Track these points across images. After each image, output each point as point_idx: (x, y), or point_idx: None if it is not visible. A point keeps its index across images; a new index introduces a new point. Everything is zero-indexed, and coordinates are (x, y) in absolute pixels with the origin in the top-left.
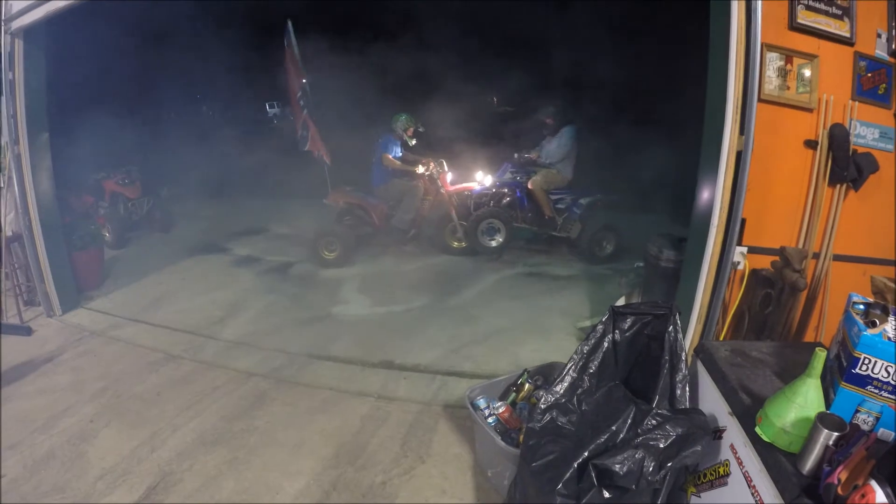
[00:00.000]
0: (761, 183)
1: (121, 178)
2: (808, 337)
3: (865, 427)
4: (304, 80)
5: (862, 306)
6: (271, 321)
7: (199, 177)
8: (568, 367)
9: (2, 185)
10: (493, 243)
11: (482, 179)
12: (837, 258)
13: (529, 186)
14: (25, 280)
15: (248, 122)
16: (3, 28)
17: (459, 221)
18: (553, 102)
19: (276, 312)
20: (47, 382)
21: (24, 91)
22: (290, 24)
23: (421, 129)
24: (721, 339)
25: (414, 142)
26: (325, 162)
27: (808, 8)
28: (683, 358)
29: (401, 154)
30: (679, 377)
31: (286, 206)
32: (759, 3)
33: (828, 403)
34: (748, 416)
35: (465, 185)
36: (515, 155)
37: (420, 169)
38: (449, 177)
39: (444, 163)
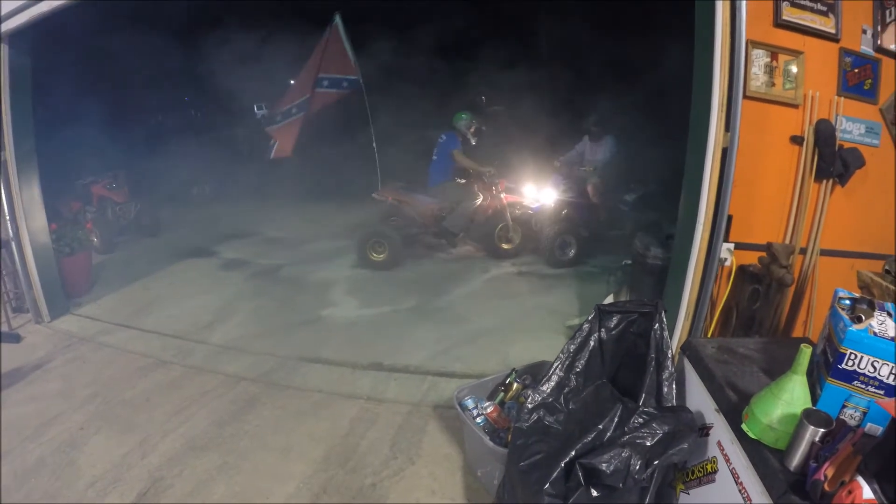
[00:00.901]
0: (748, 179)
1: (108, 183)
2: (797, 332)
3: (853, 422)
4: (321, 75)
5: (848, 301)
6: (260, 325)
7: (187, 180)
8: (554, 366)
9: None
10: (571, 253)
11: (542, 196)
12: (825, 253)
13: (588, 197)
14: (14, 287)
15: (234, 125)
16: None
17: (514, 224)
18: (595, 110)
19: (265, 316)
20: (37, 390)
21: (10, 96)
22: (338, 16)
23: (483, 129)
24: (709, 335)
25: (475, 141)
26: (282, 154)
27: (794, 5)
28: (670, 355)
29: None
30: (665, 375)
31: (274, 208)
32: (744, 1)
33: (815, 399)
34: (735, 412)
35: (519, 192)
36: (557, 164)
37: (488, 170)
38: (506, 184)
39: (501, 167)
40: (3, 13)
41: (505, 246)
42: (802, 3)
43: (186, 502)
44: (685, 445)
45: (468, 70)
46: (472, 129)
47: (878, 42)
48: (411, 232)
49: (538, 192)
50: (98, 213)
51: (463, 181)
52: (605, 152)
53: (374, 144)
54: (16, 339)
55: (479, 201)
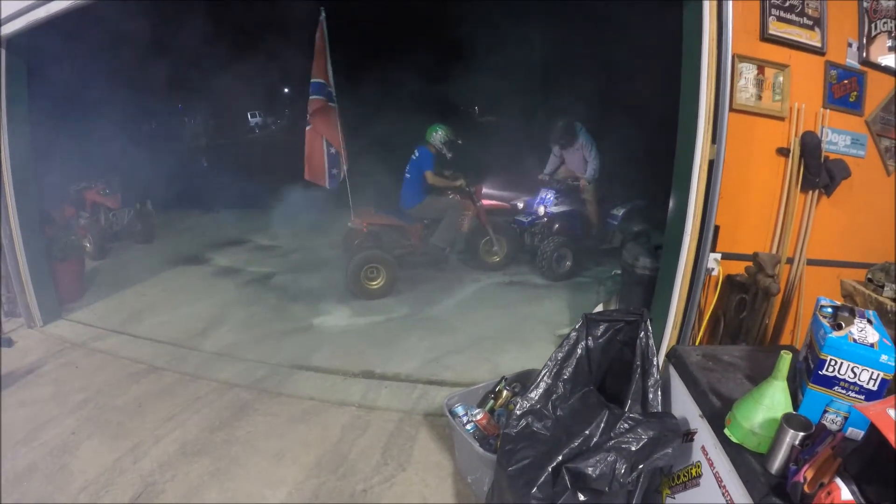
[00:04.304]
0: (734, 191)
1: (102, 189)
2: (784, 341)
3: (834, 427)
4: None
5: (830, 309)
6: (253, 332)
7: (180, 187)
8: (542, 373)
9: None
10: (567, 266)
11: (533, 208)
12: (811, 263)
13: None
14: (6, 291)
15: (228, 133)
16: None
17: (496, 236)
18: (558, 120)
19: (257, 323)
20: (29, 394)
21: (6, 101)
22: (323, 13)
23: (459, 142)
24: (697, 344)
25: (450, 155)
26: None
27: (780, 19)
28: (655, 363)
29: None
30: (651, 382)
31: (267, 216)
32: (730, 16)
33: (797, 405)
34: (719, 418)
35: (498, 199)
36: (542, 177)
37: (460, 184)
38: (483, 190)
39: (473, 177)
40: (1, 17)
41: (490, 259)
42: (789, 17)
43: None
44: (670, 450)
45: (453, 81)
46: (445, 143)
47: (864, 55)
48: (395, 253)
49: (530, 205)
50: (91, 219)
51: (440, 196)
52: (588, 153)
53: (345, 165)
54: (8, 343)
55: (460, 213)
